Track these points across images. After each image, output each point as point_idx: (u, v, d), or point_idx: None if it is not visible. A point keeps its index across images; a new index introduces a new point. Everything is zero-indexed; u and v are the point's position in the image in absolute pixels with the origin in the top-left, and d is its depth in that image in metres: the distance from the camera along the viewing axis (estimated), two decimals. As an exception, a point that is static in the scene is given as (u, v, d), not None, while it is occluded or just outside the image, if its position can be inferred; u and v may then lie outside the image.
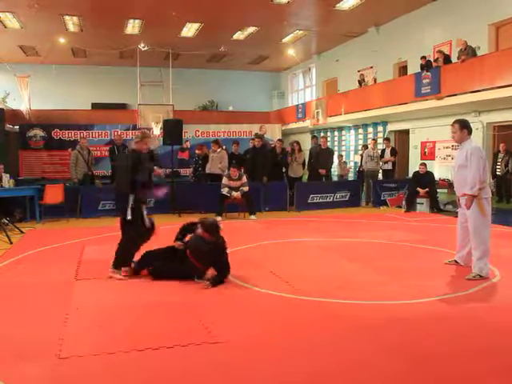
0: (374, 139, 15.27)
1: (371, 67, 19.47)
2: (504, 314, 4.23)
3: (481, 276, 5.27)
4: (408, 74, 16.55)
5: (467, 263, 5.65)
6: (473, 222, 5.37)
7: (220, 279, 5.10)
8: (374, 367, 3.18)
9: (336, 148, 20.88)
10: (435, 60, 14.55)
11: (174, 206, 10.85)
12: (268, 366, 3.20)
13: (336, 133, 21.83)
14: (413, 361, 3.26)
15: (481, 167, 5.25)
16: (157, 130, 19.59)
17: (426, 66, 14.41)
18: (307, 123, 21.18)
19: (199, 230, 5.29)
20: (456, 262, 5.91)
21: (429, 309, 4.35)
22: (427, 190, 11.42)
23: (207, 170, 11.83)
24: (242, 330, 3.85)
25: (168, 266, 5.33)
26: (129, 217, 5.30)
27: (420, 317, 4.15)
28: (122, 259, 5.46)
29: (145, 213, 5.45)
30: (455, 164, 5.70)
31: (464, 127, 5.47)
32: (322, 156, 12.85)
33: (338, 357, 3.35)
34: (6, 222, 8.63)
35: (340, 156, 18.07)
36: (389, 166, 13.94)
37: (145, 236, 5.52)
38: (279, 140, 13.26)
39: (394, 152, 14.00)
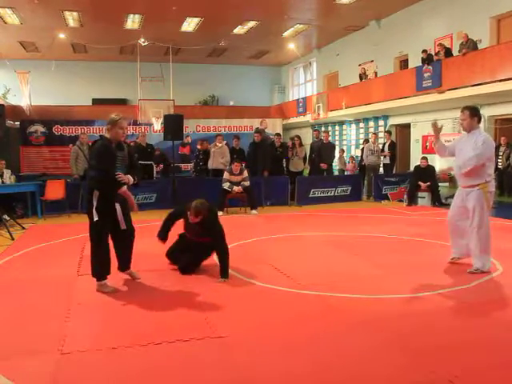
0: (374, 133, 15.25)
1: (372, 61, 19.42)
2: (506, 307, 4.23)
3: (482, 270, 5.24)
4: (409, 67, 16.51)
5: (467, 253, 5.46)
6: (478, 215, 5.18)
7: (225, 262, 5.12)
8: (375, 360, 3.18)
9: (337, 142, 20.85)
10: (436, 53, 14.51)
11: (175, 201, 10.86)
12: (270, 359, 3.21)
13: (337, 127, 21.81)
14: (414, 354, 3.26)
15: (491, 157, 5.06)
16: (157, 126, 19.58)
17: (427, 59, 14.37)
18: (308, 117, 21.17)
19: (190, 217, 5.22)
20: (457, 257, 5.69)
21: (430, 302, 4.35)
22: (428, 183, 11.41)
23: (210, 166, 11.82)
24: (243, 324, 3.86)
25: (192, 258, 5.34)
26: (95, 218, 4.58)
27: (422, 310, 4.15)
28: (97, 268, 4.75)
29: (119, 212, 4.71)
30: (459, 150, 5.33)
31: (474, 115, 5.17)
32: (324, 150, 12.83)
33: (340, 350, 3.36)
34: (7, 218, 8.62)
35: (341, 150, 18.00)
36: (387, 160, 13.92)
37: (124, 238, 4.84)
38: (277, 134, 13.27)
39: (392, 146, 13.97)
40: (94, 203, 4.58)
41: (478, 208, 5.18)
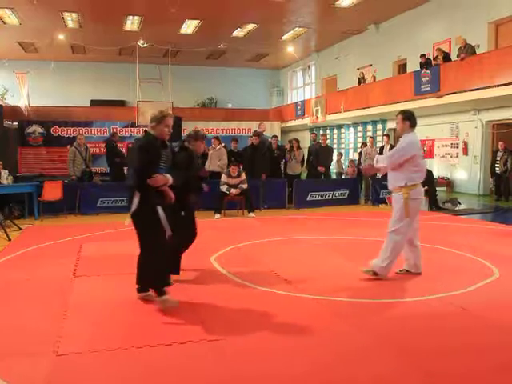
0: (371, 137, 15.26)
1: (370, 65, 19.46)
2: (502, 311, 4.23)
3: (375, 273, 5.18)
4: (407, 72, 16.55)
5: (418, 269, 5.38)
6: (393, 219, 5.19)
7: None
8: (373, 363, 3.17)
9: (335, 146, 20.87)
10: (435, 58, 14.55)
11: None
12: (267, 362, 3.20)
13: (335, 130, 21.84)
14: (412, 357, 3.26)
15: (401, 155, 5.08)
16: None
17: (426, 64, 14.40)
18: (306, 121, 21.19)
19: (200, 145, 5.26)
20: (407, 271, 5.44)
21: (428, 306, 4.35)
22: (426, 188, 11.38)
23: (206, 168, 11.80)
24: (240, 327, 3.85)
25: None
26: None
27: (419, 314, 4.15)
28: (153, 278, 4.40)
29: (162, 217, 4.28)
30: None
31: (407, 119, 5.22)
32: (321, 154, 12.83)
33: (337, 353, 3.35)
34: (3, 219, 8.58)
35: (339, 154, 18.00)
36: (388, 164, 13.91)
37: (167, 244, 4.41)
38: (274, 136, 13.31)
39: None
40: (134, 206, 4.20)
41: (398, 214, 5.16)
